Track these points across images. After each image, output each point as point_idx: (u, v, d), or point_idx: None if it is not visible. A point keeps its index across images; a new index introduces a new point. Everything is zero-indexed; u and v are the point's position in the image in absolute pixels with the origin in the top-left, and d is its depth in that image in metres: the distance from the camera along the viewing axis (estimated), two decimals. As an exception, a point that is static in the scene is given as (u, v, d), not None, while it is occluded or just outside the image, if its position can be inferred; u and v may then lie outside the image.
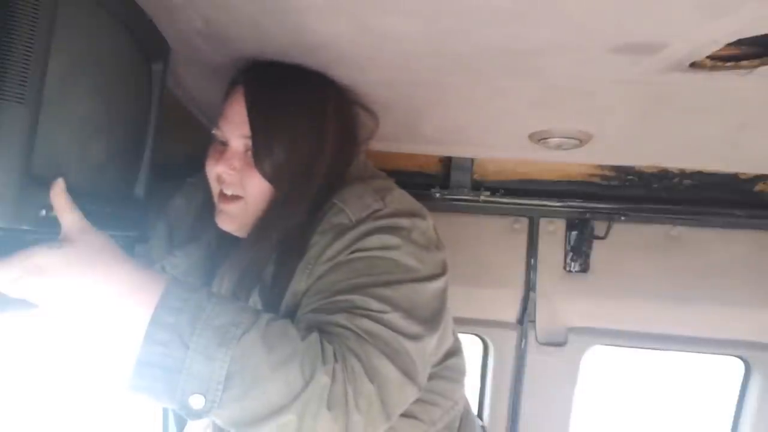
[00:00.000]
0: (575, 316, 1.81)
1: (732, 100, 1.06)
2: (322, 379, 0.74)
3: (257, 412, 0.73)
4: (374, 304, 0.84)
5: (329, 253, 0.91)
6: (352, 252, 0.90)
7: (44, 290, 0.71)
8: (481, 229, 1.80)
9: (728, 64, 0.87)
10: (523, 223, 1.80)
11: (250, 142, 0.97)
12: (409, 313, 0.87)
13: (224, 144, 1.01)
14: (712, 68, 0.89)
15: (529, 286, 1.78)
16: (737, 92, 1.01)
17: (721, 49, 0.83)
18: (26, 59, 0.63)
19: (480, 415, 1.90)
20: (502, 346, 1.82)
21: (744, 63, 0.86)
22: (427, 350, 0.92)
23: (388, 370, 0.80)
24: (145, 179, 1.02)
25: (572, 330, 1.80)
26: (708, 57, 0.86)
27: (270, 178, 0.96)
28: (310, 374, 0.74)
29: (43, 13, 0.64)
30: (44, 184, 0.71)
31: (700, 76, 0.92)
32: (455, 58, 0.94)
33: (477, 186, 1.76)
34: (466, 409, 1.29)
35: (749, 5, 0.69)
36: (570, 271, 1.78)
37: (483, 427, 1.86)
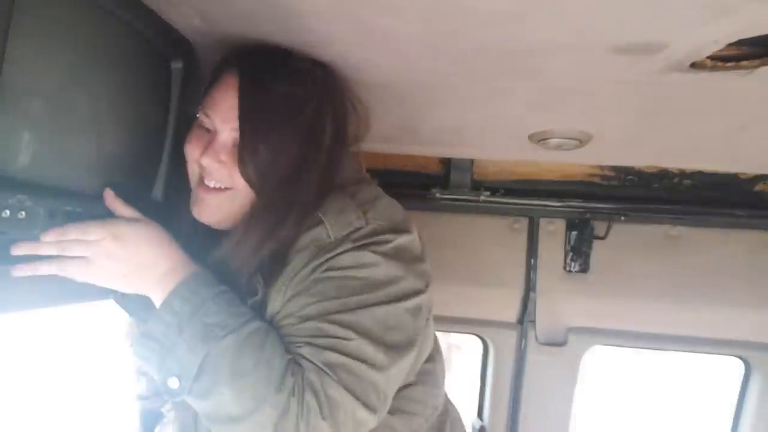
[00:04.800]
0: (575, 316, 1.81)
1: (732, 100, 1.05)
2: (267, 410, 0.78)
3: (216, 414, 0.81)
4: (340, 332, 0.83)
5: (304, 272, 0.88)
6: (325, 270, 0.87)
7: (113, 255, 0.82)
8: (481, 229, 1.80)
9: (729, 64, 0.87)
10: (523, 223, 1.80)
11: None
12: (377, 338, 0.84)
13: (210, 131, 0.93)
14: (713, 68, 0.88)
15: (529, 286, 1.78)
16: (737, 92, 1.01)
17: (721, 50, 0.83)
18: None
19: (480, 415, 1.89)
20: (502, 346, 1.82)
21: (744, 63, 0.86)
22: (395, 377, 0.89)
23: (344, 400, 0.80)
24: (164, 182, 0.98)
25: (572, 330, 1.80)
26: (708, 57, 0.86)
27: (252, 183, 0.89)
28: (263, 399, 0.79)
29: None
30: (4, 186, 0.68)
31: (701, 76, 0.92)
32: (454, 58, 0.94)
33: (477, 186, 1.76)
34: (453, 417, 1.21)
35: (750, 6, 0.69)
36: (570, 271, 1.78)
37: (483, 427, 1.87)
